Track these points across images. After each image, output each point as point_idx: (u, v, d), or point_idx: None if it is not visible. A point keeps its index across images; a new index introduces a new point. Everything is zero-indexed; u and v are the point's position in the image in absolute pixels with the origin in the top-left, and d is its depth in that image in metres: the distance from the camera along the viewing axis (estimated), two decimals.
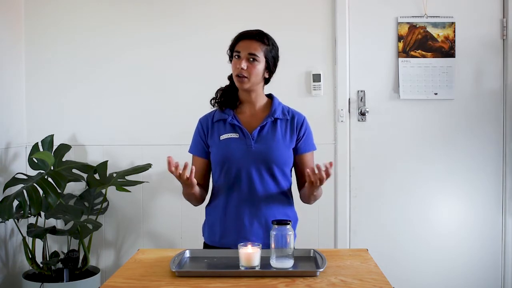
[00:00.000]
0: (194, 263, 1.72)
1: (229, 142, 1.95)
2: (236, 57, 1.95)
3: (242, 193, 1.94)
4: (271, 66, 1.99)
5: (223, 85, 2.08)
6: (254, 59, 1.93)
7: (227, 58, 2.03)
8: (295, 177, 2.06)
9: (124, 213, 3.16)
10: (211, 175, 2.07)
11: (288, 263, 1.62)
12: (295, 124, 2.00)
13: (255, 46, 1.93)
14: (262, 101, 2.03)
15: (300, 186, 2.04)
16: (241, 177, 1.93)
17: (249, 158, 1.92)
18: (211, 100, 2.06)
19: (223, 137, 1.97)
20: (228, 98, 2.02)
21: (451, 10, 3.08)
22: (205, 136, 2.02)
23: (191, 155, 2.07)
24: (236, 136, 1.96)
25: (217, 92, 2.06)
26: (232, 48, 1.99)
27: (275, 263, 1.62)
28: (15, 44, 3.10)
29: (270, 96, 2.08)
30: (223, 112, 2.01)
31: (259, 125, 1.97)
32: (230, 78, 2.05)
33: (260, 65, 1.94)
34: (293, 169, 2.05)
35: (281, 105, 2.04)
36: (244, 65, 1.92)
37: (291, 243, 1.63)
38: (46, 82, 3.17)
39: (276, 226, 1.62)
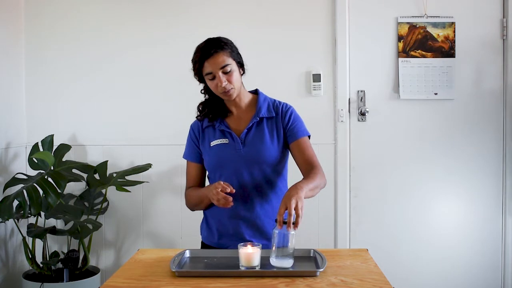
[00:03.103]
0: (194, 263, 1.72)
1: (220, 148, 1.94)
2: (210, 79, 1.89)
3: (237, 197, 1.90)
4: (242, 63, 1.96)
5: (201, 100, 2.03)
6: (230, 70, 1.88)
7: None
8: (292, 174, 2.05)
9: (124, 213, 3.16)
10: (207, 178, 2.07)
11: (288, 263, 1.62)
12: (280, 117, 1.98)
13: (221, 58, 1.87)
14: (246, 99, 2.00)
15: (304, 174, 1.95)
16: (235, 181, 1.91)
17: (240, 163, 1.91)
18: (197, 117, 2.02)
19: (213, 143, 1.96)
20: (215, 109, 1.98)
21: (451, 10, 3.08)
22: (197, 141, 2.01)
23: (185, 160, 2.07)
24: (226, 142, 1.94)
25: (199, 107, 2.02)
26: (200, 73, 1.91)
27: (275, 261, 1.62)
28: (15, 44, 3.10)
29: (256, 92, 2.05)
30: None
31: (245, 127, 1.95)
32: (206, 91, 2.00)
33: (236, 71, 1.91)
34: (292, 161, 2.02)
35: (266, 101, 2.01)
36: (224, 81, 1.87)
37: (292, 243, 1.63)
38: (46, 82, 3.17)
39: (278, 226, 1.62)
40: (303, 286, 1.46)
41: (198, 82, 2.01)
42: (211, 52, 1.86)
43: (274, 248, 1.63)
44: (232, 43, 1.95)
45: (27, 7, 3.15)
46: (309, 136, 2.01)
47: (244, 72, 1.98)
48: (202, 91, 2.03)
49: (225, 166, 1.93)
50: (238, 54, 1.95)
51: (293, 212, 1.63)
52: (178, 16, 3.12)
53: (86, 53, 3.15)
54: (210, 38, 1.92)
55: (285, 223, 1.62)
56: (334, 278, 1.52)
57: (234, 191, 1.80)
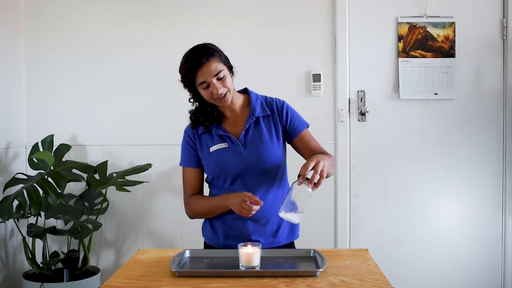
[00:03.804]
0: (194, 263, 1.72)
1: (221, 153, 1.92)
2: (205, 87, 1.85)
3: None
4: (231, 66, 1.93)
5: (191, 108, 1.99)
6: (223, 76, 1.85)
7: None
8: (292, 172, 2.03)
9: (124, 213, 3.16)
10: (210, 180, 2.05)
11: (296, 218, 1.66)
12: (276, 115, 1.97)
13: (214, 65, 1.83)
14: (239, 101, 1.98)
15: None
16: (239, 184, 1.91)
17: (244, 165, 1.90)
18: (191, 126, 1.97)
19: (212, 148, 1.93)
20: (209, 116, 1.95)
21: (451, 10, 3.08)
22: (195, 146, 1.97)
23: (182, 168, 2.02)
24: (226, 146, 1.92)
25: (191, 116, 1.98)
26: (192, 83, 1.86)
27: (283, 214, 1.66)
28: (15, 43, 3.10)
29: (245, 91, 2.03)
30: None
31: (243, 129, 1.93)
32: (196, 99, 1.95)
33: (228, 75, 1.88)
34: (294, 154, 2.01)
35: (258, 100, 1.99)
36: (220, 88, 1.84)
37: (305, 201, 1.66)
38: (46, 82, 3.17)
39: (300, 180, 1.66)
40: (303, 286, 1.46)
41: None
42: (202, 61, 1.82)
43: (288, 200, 1.66)
44: (218, 48, 1.91)
45: (27, 7, 3.15)
46: (308, 126, 2.01)
47: (233, 74, 1.95)
48: (191, 100, 1.97)
49: (228, 170, 1.91)
50: (226, 57, 1.92)
51: (319, 172, 1.68)
52: (178, 16, 3.12)
53: (86, 53, 3.15)
54: (196, 46, 1.87)
55: (307, 179, 1.66)
56: (334, 278, 1.52)
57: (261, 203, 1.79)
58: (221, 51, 1.90)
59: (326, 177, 1.78)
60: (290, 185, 1.72)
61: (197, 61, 1.82)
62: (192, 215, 2.00)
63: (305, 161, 1.82)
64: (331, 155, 1.91)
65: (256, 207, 1.76)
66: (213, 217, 1.98)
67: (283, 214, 1.67)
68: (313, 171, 1.69)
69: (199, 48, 1.86)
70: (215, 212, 1.94)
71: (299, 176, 1.68)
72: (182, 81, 1.89)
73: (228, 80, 1.87)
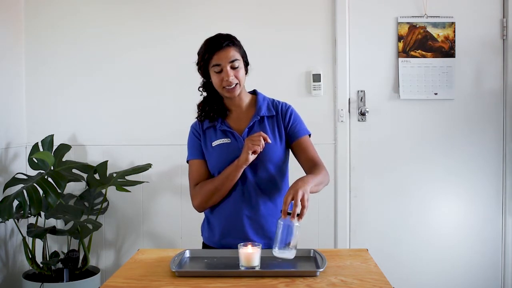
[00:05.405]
0: (194, 263, 1.72)
1: (222, 148, 1.93)
2: (217, 71, 1.89)
3: (240, 196, 1.91)
4: (248, 63, 1.98)
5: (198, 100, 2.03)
6: (237, 66, 1.89)
7: None
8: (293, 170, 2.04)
9: (124, 213, 3.16)
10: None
11: (291, 254, 1.64)
12: (280, 116, 1.98)
13: (232, 52, 1.89)
14: (246, 99, 2.00)
15: (307, 172, 1.94)
16: (239, 180, 1.90)
17: None
18: (197, 117, 2.00)
19: (215, 143, 1.94)
20: (215, 108, 1.97)
21: (451, 10, 3.08)
22: (200, 138, 1.98)
23: (188, 163, 2.02)
24: (228, 141, 1.93)
25: (198, 107, 2.01)
26: (206, 65, 1.91)
27: (277, 252, 1.64)
28: (15, 43, 3.10)
29: (254, 92, 2.06)
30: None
31: (247, 126, 1.95)
32: (204, 88, 2.00)
33: (242, 68, 1.92)
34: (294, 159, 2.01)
35: (266, 101, 2.01)
36: (232, 75, 1.88)
37: (295, 235, 1.64)
38: (46, 82, 3.17)
39: (282, 216, 1.64)
40: (303, 286, 1.46)
41: (198, 80, 1.99)
42: (223, 45, 1.88)
43: (277, 238, 1.64)
44: (240, 42, 1.97)
45: (27, 7, 3.15)
46: (309, 135, 2.02)
47: (247, 72, 1.98)
48: (200, 88, 2.01)
49: (228, 165, 1.90)
50: (245, 53, 1.97)
51: (299, 203, 1.66)
52: (178, 16, 3.12)
53: (86, 53, 3.15)
54: (220, 33, 1.93)
55: (289, 213, 1.64)
56: (334, 278, 1.52)
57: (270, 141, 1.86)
58: (242, 45, 1.96)
59: (315, 192, 1.79)
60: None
61: (218, 44, 1.88)
62: (201, 201, 1.93)
63: (302, 171, 1.87)
64: (321, 169, 1.89)
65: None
66: (211, 216, 1.97)
67: (277, 253, 1.65)
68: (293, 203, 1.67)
69: (222, 35, 1.92)
70: (229, 180, 1.88)
71: (281, 211, 1.66)
72: (198, 62, 1.94)
73: (241, 72, 1.91)
